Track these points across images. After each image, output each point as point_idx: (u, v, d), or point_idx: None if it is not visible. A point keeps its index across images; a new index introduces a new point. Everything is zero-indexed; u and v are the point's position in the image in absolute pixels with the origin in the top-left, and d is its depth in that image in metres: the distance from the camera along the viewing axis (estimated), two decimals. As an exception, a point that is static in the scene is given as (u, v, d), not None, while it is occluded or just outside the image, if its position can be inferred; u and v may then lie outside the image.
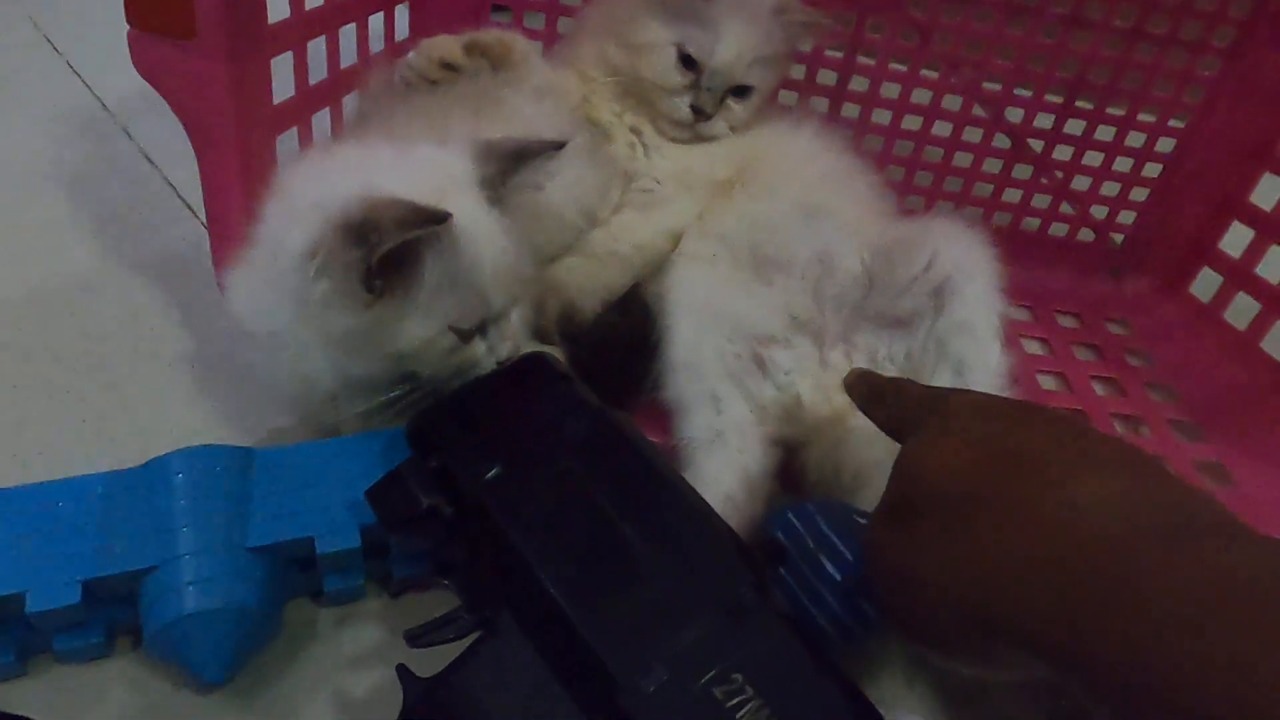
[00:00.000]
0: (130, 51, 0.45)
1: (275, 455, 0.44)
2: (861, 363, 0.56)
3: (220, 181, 0.49)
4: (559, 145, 0.47)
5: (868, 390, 0.42)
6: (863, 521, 0.44)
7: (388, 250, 0.38)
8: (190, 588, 0.38)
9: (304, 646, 0.44)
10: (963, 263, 0.56)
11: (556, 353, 0.55)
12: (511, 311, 0.47)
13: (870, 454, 0.52)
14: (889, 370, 0.56)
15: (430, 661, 0.35)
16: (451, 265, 0.42)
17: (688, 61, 0.59)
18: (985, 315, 0.55)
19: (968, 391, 0.38)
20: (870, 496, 0.50)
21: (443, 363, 0.44)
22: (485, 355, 0.46)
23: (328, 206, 0.39)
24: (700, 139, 0.63)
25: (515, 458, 0.40)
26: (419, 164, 0.44)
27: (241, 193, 0.49)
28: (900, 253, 0.58)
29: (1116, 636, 0.25)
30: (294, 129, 0.55)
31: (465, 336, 0.44)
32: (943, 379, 0.52)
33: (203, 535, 0.40)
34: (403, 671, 0.36)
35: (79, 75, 0.83)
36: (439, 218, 0.39)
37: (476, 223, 0.43)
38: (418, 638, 0.38)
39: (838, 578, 0.43)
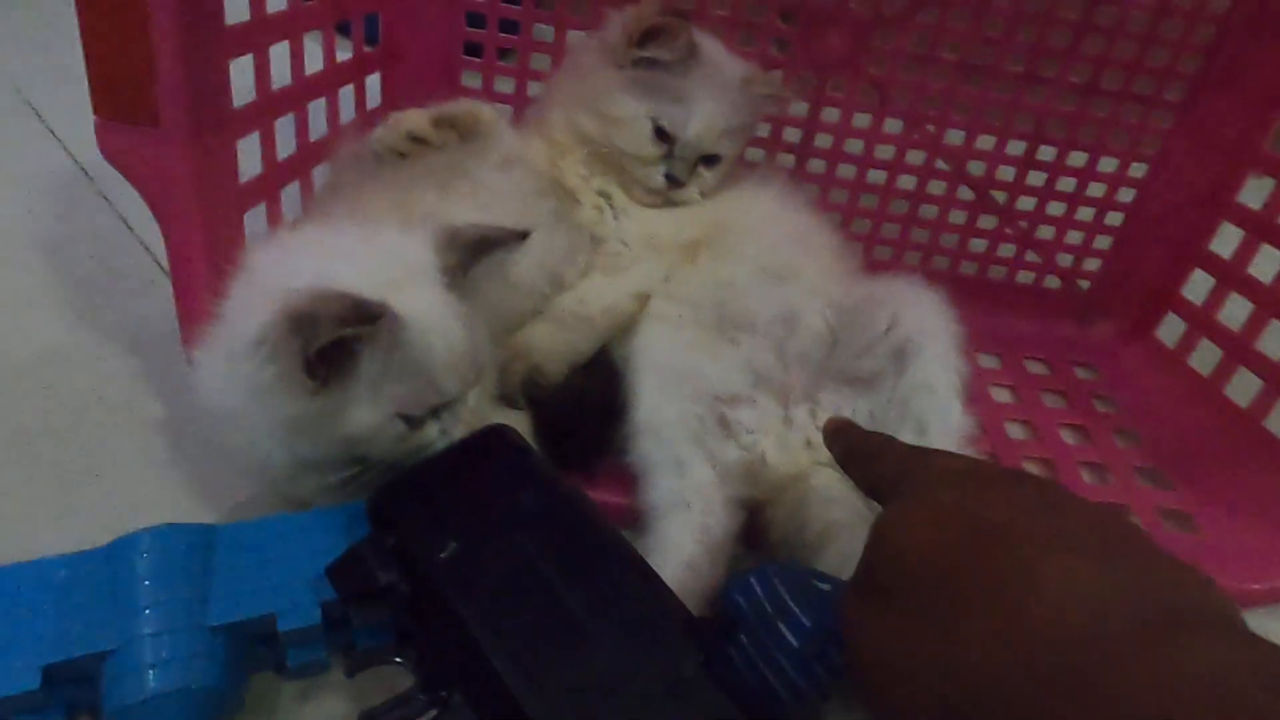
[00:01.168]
0: (97, 138, 0.47)
1: (237, 531, 0.45)
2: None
3: (186, 261, 0.50)
4: (522, 235, 0.49)
5: (847, 446, 0.42)
6: (823, 587, 0.44)
7: (324, 344, 0.39)
8: (151, 670, 0.38)
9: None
10: (923, 324, 0.57)
11: (522, 418, 0.56)
12: (469, 395, 0.48)
13: (833, 514, 0.53)
14: None
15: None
16: (396, 356, 0.42)
17: (661, 133, 0.62)
18: (945, 375, 0.56)
19: (949, 455, 0.37)
20: (833, 556, 0.51)
21: (392, 448, 0.45)
22: (439, 438, 0.46)
23: (280, 294, 0.40)
24: (671, 204, 0.65)
25: (470, 534, 0.41)
26: (377, 252, 0.45)
27: (207, 271, 0.50)
28: (863, 313, 0.59)
29: None
30: (262, 205, 0.57)
31: (415, 423, 0.45)
32: (905, 438, 0.53)
33: (165, 616, 0.40)
34: (356, 755, 0.36)
35: (60, 141, 0.85)
36: (373, 315, 0.40)
37: (429, 313, 0.44)
38: (373, 718, 0.38)
39: (795, 645, 0.43)
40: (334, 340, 0.39)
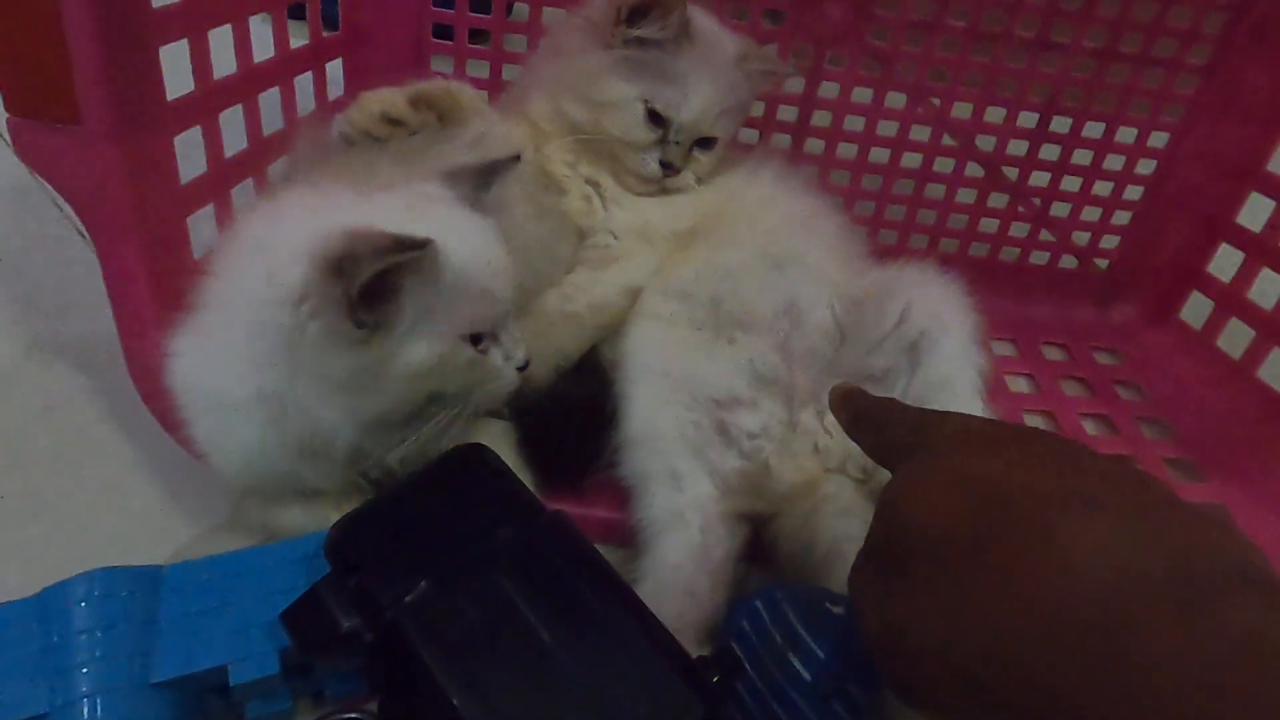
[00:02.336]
0: (10, 140, 0.42)
1: (184, 572, 0.41)
2: (833, 427, 0.53)
3: (124, 274, 0.45)
4: (515, 158, 0.47)
5: (854, 412, 0.39)
6: (836, 610, 0.41)
7: (366, 281, 0.36)
8: None
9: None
10: (939, 315, 0.54)
11: (506, 429, 0.52)
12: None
13: (845, 527, 0.49)
14: None
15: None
16: (444, 281, 0.40)
17: (655, 117, 0.58)
18: (965, 371, 0.52)
19: (961, 416, 0.34)
20: (845, 575, 0.46)
21: (464, 378, 0.43)
22: (504, 364, 0.45)
23: (303, 247, 0.37)
24: (665, 192, 0.61)
25: (441, 572, 0.37)
26: (386, 196, 0.42)
27: (149, 284, 0.45)
28: (872, 304, 0.55)
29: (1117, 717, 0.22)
30: (210, 206, 0.52)
31: (480, 344, 0.43)
32: None
33: (103, 674, 0.36)
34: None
35: (6, 143, 0.79)
36: (417, 243, 0.37)
37: (464, 230, 0.42)
38: (335, 784, 0.34)
39: (805, 676, 0.39)
40: (376, 277, 0.36)
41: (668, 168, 0.59)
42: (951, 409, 0.49)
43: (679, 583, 0.45)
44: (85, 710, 0.35)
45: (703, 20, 0.59)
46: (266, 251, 0.39)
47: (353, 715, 0.37)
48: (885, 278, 0.57)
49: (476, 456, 0.43)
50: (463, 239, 0.41)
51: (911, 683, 0.29)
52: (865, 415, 0.38)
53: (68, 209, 0.73)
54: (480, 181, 0.45)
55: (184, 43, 0.47)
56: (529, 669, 0.34)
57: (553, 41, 0.63)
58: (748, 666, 0.41)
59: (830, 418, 0.53)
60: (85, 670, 0.36)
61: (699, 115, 0.58)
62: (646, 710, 0.33)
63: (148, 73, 0.44)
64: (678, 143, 0.59)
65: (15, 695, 0.36)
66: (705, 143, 0.60)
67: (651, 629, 0.36)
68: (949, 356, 0.52)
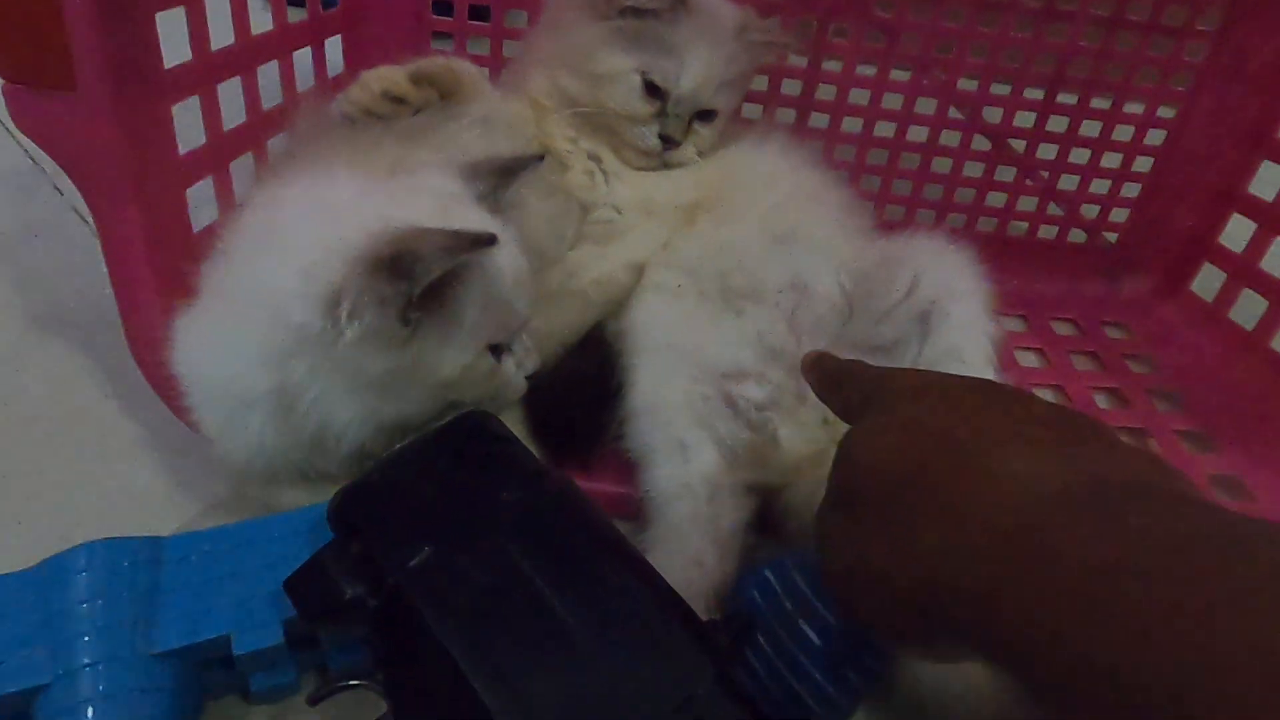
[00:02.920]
0: (7, 108, 0.41)
1: (187, 543, 0.40)
2: None
3: (123, 244, 0.45)
4: (539, 157, 0.47)
5: (823, 375, 0.40)
6: None
7: (431, 281, 0.36)
8: (90, 706, 0.35)
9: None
10: (949, 284, 0.53)
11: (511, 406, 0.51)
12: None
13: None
14: None
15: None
16: (481, 285, 0.40)
17: (652, 89, 0.57)
18: (976, 340, 0.52)
19: (911, 372, 0.36)
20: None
21: (482, 387, 0.43)
22: (515, 373, 0.45)
23: (343, 246, 0.37)
24: (667, 166, 0.60)
25: (445, 537, 0.36)
26: (408, 188, 0.42)
27: (148, 255, 0.45)
28: (880, 275, 0.55)
29: (1036, 617, 0.23)
30: (209, 178, 0.51)
31: (498, 354, 0.44)
32: None
33: (104, 643, 0.36)
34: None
35: (9, 131, 0.79)
36: (485, 240, 0.37)
37: (500, 235, 0.42)
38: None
39: (818, 643, 0.39)
40: (440, 277, 0.36)
41: (667, 141, 0.58)
42: None
43: (686, 552, 0.45)
44: (87, 679, 0.35)
45: None
46: (295, 247, 0.39)
47: (357, 682, 0.36)
48: (893, 248, 0.57)
49: (479, 422, 0.42)
50: (498, 246, 0.40)
51: (872, 616, 0.31)
52: (830, 376, 0.39)
53: (68, 192, 0.73)
54: (501, 180, 0.45)
55: (180, 10, 0.46)
56: (536, 633, 0.33)
57: (550, 16, 0.62)
58: (760, 636, 0.40)
59: None
60: (86, 639, 0.36)
61: (697, 86, 0.57)
62: (656, 672, 0.32)
63: (144, 39, 0.43)
64: (677, 115, 0.58)
65: (17, 665, 0.35)
66: (705, 115, 0.60)
67: (660, 592, 0.35)
68: (960, 325, 0.52)
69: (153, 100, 0.44)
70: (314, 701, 0.36)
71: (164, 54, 0.46)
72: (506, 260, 0.42)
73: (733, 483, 0.48)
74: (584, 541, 0.37)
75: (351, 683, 0.36)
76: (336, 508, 0.38)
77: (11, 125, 0.77)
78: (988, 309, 0.53)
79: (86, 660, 0.35)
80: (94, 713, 0.35)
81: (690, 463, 0.48)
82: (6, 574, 0.38)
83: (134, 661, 0.36)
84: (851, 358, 0.54)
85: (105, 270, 0.64)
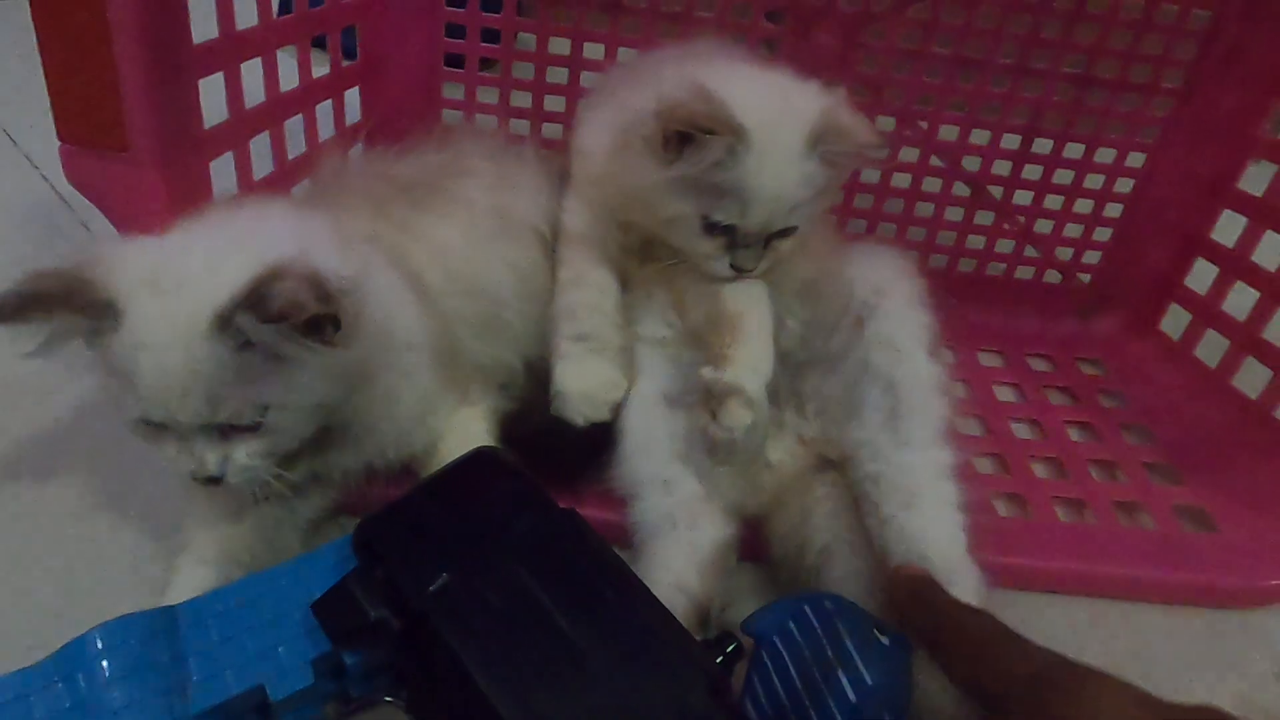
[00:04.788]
0: (63, 166, 0.45)
1: (199, 607, 0.41)
2: (811, 415, 0.56)
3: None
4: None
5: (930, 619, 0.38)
6: (884, 640, 0.42)
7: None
8: None
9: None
10: (878, 283, 0.55)
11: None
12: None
13: (837, 528, 0.51)
14: (832, 412, 0.55)
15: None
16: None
17: (716, 227, 0.52)
18: (904, 327, 0.53)
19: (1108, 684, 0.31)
20: (836, 577, 0.49)
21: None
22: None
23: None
24: None
25: (463, 564, 0.39)
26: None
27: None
28: (827, 291, 0.57)
29: None
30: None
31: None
32: (874, 400, 0.51)
33: (143, 716, 0.37)
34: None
35: (38, 169, 0.83)
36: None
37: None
38: (366, 767, 0.36)
39: (853, 700, 0.40)
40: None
41: (740, 271, 0.54)
42: (896, 364, 0.52)
43: (669, 580, 0.48)
44: None
45: (760, 105, 0.50)
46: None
47: (386, 698, 0.39)
48: (834, 265, 0.58)
49: (490, 456, 0.45)
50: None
51: None
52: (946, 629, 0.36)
53: (96, 229, 0.76)
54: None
55: (219, 75, 0.50)
56: (546, 650, 0.36)
57: (617, 145, 0.57)
58: (790, 667, 0.41)
59: (807, 407, 0.56)
60: (124, 716, 0.36)
61: (764, 222, 0.52)
62: (655, 685, 0.35)
63: (188, 104, 0.47)
64: (746, 246, 0.53)
65: None
66: (784, 233, 0.54)
67: (659, 613, 0.38)
68: (888, 316, 0.53)
69: (194, 158, 0.48)
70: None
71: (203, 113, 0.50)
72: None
73: (714, 509, 0.51)
74: (589, 567, 0.40)
75: (381, 698, 0.39)
76: (360, 537, 0.41)
77: (40, 164, 0.81)
78: (918, 299, 0.54)
79: None
80: None
81: (672, 495, 0.51)
82: (25, 669, 0.38)
83: None
84: (813, 378, 0.57)
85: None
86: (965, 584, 0.45)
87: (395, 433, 0.50)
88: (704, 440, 0.51)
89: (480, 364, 0.58)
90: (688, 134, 0.48)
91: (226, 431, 0.42)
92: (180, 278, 0.39)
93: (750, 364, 0.51)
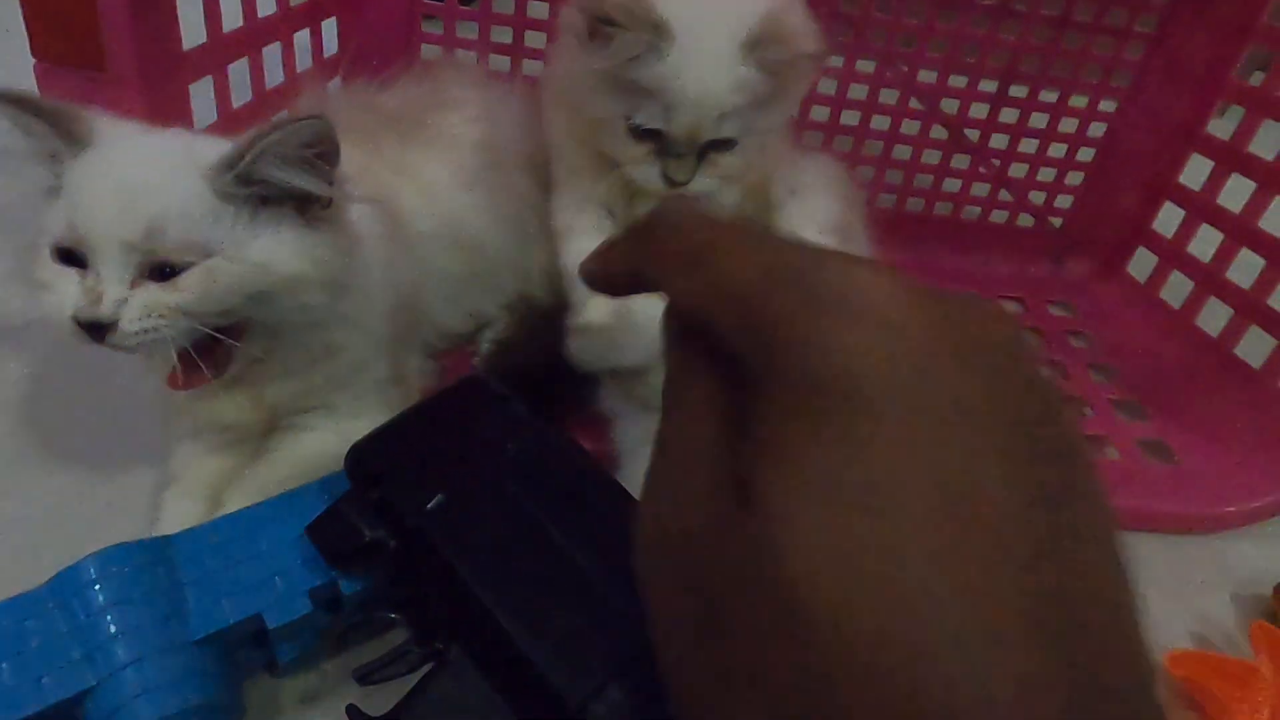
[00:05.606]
0: (38, 85, 0.44)
1: (193, 538, 0.42)
2: None
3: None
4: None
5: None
6: None
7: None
8: (141, 698, 0.36)
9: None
10: (793, 182, 0.57)
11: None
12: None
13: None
14: None
15: (384, 698, 0.35)
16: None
17: (645, 132, 0.50)
18: (803, 212, 0.55)
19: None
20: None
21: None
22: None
23: None
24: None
25: (457, 484, 0.40)
26: None
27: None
28: (759, 197, 0.58)
29: None
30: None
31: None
32: None
33: (140, 641, 0.37)
34: (353, 711, 0.35)
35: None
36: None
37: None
38: (367, 675, 0.37)
39: None
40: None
41: (671, 182, 0.51)
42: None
43: None
44: (131, 676, 0.36)
45: (691, 6, 0.48)
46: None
47: (390, 614, 0.40)
48: (769, 174, 0.58)
49: (481, 383, 0.46)
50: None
51: None
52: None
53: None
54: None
55: (197, -4, 0.49)
56: (544, 564, 0.37)
57: (554, 50, 0.57)
58: None
59: None
60: (122, 640, 0.37)
61: (691, 125, 0.49)
62: None
63: (166, 23, 0.46)
64: (677, 155, 0.50)
65: (57, 676, 0.36)
66: (721, 145, 0.51)
67: (650, 527, 0.40)
68: (793, 207, 0.56)
69: (172, 80, 0.47)
70: (362, 676, 0.38)
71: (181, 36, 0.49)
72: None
73: None
74: (581, 485, 0.40)
75: (383, 614, 0.40)
76: (354, 460, 0.42)
77: None
78: (826, 190, 0.56)
79: (127, 658, 0.36)
80: (147, 704, 0.36)
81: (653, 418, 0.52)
82: (18, 595, 0.38)
83: (176, 651, 0.37)
84: None
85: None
86: None
87: (320, 384, 0.48)
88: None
89: (450, 327, 0.57)
90: (603, 21, 0.46)
91: (146, 271, 0.39)
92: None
93: None
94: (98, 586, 0.38)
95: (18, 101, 0.39)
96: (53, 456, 0.53)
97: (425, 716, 0.35)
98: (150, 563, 0.39)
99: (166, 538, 0.41)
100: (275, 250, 0.41)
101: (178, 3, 0.47)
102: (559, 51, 0.54)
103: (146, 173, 0.39)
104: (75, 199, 0.39)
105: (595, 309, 0.52)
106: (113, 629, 0.37)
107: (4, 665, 0.36)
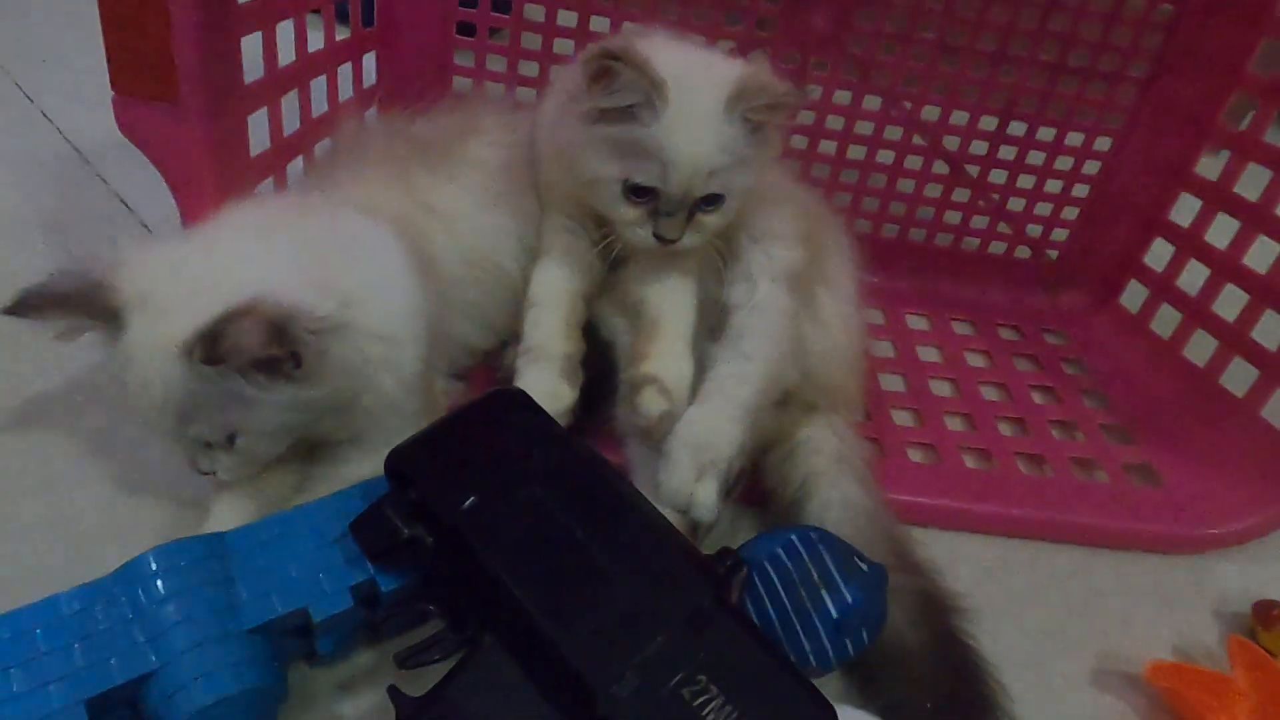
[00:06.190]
0: (115, 115, 0.48)
1: (246, 535, 0.45)
2: None
3: (202, 229, 0.51)
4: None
5: None
6: (864, 567, 0.48)
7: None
8: (199, 681, 0.39)
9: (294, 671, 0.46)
10: (760, 229, 0.59)
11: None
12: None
13: (815, 463, 0.56)
14: None
15: (419, 684, 0.38)
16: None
17: (640, 191, 0.53)
18: (756, 259, 0.57)
19: None
20: (816, 506, 0.54)
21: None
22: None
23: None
24: None
25: (489, 487, 0.43)
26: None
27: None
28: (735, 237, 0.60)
29: None
30: (270, 179, 0.58)
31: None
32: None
33: (197, 629, 0.40)
34: (393, 692, 0.38)
35: (52, 122, 0.85)
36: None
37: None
38: (406, 659, 0.40)
39: (835, 617, 0.46)
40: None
41: (663, 240, 0.54)
42: (754, 295, 0.56)
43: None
44: (189, 661, 0.39)
45: (682, 66, 0.52)
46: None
47: (428, 606, 0.43)
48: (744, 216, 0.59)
49: (511, 396, 0.49)
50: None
51: None
52: None
53: (113, 183, 0.79)
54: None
55: (258, 34, 0.53)
56: (569, 563, 0.40)
57: (548, 106, 0.61)
58: (779, 589, 0.47)
59: None
60: (182, 628, 0.40)
61: (684, 185, 0.52)
62: (668, 591, 0.39)
63: (232, 60, 0.50)
64: (668, 214, 0.53)
65: (124, 659, 0.39)
66: (710, 200, 0.54)
67: (668, 531, 0.43)
68: (748, 256, 0.58)
69: (235, 111, 0.52)
70: (402, 660, 0.40)
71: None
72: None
73: None
74: (604, 492, 0.44)
75: (421, 606, 0.43)
76: (393, 463, 0.45)
77: (55, 119, 0.83)
78: (792, 239, 0.58)
79: (186, 645, 0.39)
80: (204, 687, 0.38)
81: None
82: (88, 583, 0.41)
83: (229, 640, 0.40)
84: None
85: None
86: (682, 462, 0.50)
87: (358, 422, 0.52)
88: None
89: (475, 345, 0.61)
90: (602, 70, 0.50)
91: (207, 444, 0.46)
92: (166, 301, 0.43)
93: (664, 359, 0.56)
94: (159, 580, 0.41)
95: (49, 306, 0.43)
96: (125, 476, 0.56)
97: (461, 697, 0.38)
98: (206, 557, 0.43)
99: (220, 534, 0.44)
100: (277, 414, 0.45)
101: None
102: (557, 116, 0.57)
103: (155, 372, 0.43)
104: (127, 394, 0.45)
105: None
106: (174, 617, 0.40)
107: (75, 647, 0.39)
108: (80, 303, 0.43)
